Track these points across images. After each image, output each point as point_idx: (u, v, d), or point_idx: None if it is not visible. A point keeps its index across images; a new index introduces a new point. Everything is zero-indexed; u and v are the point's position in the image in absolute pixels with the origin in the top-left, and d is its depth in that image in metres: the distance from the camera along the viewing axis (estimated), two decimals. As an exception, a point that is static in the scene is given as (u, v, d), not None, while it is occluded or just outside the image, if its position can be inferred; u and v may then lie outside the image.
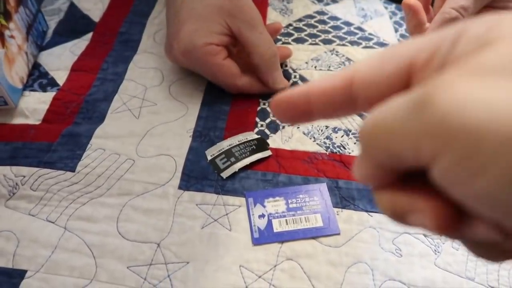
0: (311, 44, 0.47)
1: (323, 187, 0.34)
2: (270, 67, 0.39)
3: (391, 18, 0.52)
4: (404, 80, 0.14)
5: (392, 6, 0.54)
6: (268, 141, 0.37)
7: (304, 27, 0.50)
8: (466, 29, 0.13)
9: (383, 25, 0.51)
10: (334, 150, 0.37)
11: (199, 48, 0.37)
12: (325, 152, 0.37)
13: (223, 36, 0.37)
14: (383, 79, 0.14)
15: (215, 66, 0.38)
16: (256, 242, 0.31)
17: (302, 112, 0.16)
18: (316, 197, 0.33)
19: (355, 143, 0.37)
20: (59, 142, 0.37)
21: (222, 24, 0.37)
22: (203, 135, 0.38)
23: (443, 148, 0.10)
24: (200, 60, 0.38)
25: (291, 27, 0.50)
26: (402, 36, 0.49)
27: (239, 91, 0.40)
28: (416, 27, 0.42)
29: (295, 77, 0.44)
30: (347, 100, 0.15)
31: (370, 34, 0.49)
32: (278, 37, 0.48)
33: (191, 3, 0.37)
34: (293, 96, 0.16)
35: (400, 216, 0.14)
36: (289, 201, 0.33)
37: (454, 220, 0.12)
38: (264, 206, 0.33)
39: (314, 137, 0.38)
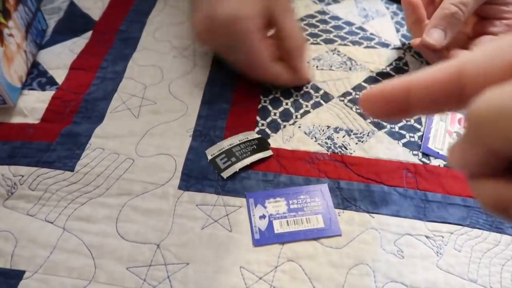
0: (312, 43, 0.47)
1: (324, 187, 0.34)
2: (302, 53, 0.39)
3: (392, 18, 0.52)
4: None
5: (394, 7, 0.54)
6: (269, 140, 0.37)
7: (306, 27, 0.50)
8: None
9: (384, 25, 0.50)
10: (336, 151, 0.36)
11: (244, 21, 0.35)
12: (326, 152, 0.36)
13: (261, 18, 0.36)
14: (501, 69, 0.13)
15: (254, 43, 0.36)
16: (257, 243, 0.30)
17: (398, 108, 0.15)
18: (317, 198, 0.33)
19: (356, 144, 0.37)
20: (58, 141, 0.36)
21: (261, 5, 0.36)
22: (203, 135, 0.37)
23: None
24: (240, 34, 0.35)
25: (292, 27, 0.49)
26: (403, 36, 0.49)
27: (265, 77, 0.39)
28: (415, 23, 0.42)
29: (296, 76, 0.43)
30: (454, 94, 0.14)
31: (371, 34, 0.49)
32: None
33: None
34: (390, 90, 0.15)
35: (504, 209, 0.13)
36: (290, 201, 0.33)
37: None
38: (265, 207, 0.32)
39: (315, 137, 0.37)
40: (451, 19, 0.37)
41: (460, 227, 0.32)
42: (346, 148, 0.37)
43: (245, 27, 0.35)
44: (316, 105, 0.40)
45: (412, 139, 0.38)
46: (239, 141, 0.36)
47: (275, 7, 0.36)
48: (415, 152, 0.37)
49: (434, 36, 0.38)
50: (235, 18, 0.35)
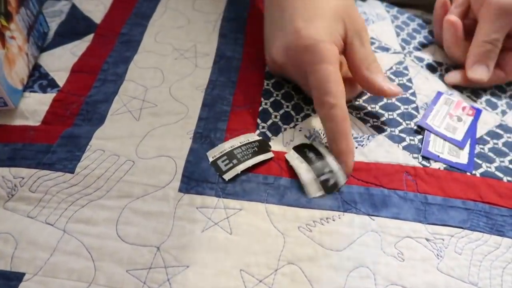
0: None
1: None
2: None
3: (392, 22, 0.52)
4: None
5: (394, 10, 0.54)
6: (270, 143, 0.37)
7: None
8: None
9: (384, 29, 0.51)
10: (336, 154, 0.36)
11: (326, 47, 0.35)
12: (326, 155, 0.36)
13: (340, 41, 0.37)
14: None
15: (331, 68, 0.35)
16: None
17: None
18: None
19: (356, 148, 0.37)
20: (59, 143, 0.36)
21: (341, 29, 0.36)
22: (204, 137, 0.37)
23: None
24: (320, 57, 0.35)
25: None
26: (403, 40, 0.49)
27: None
28: (454, 43, 0.44)
29: (296, 80, 0.43)
30: None
31: (371, 38, 0.49)
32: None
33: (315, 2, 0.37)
34: None
35: None
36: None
37: None
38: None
39: (315, 141, 0.37)
40: (490, 54, 0.42)
41: (460, 230, 0.32)
42: (346, 151, 0.37)
43: (327, 54, 0.35)
44: (317, 108, 0.40)
45: (412, 142, 0.38)
46: (240, 143, 0.36)
47: (353, 33, 0.37)
48: (415, 155, 0.37)
49: (479, 72, 0.42)
50: (317, 45, 0.35)
